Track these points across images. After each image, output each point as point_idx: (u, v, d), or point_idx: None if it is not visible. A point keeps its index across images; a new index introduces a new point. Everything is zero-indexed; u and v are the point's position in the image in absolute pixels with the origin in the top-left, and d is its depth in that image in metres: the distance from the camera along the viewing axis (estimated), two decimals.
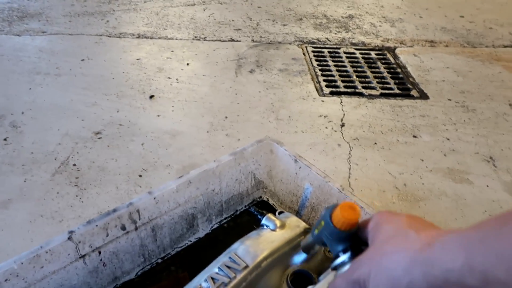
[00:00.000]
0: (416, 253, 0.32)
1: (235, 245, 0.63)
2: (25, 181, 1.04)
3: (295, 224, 0.68)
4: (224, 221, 0.94)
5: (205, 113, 1.37)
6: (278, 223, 0.67)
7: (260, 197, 1.00)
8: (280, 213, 0.74)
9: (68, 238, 0.66)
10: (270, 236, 0.64)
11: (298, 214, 0.93)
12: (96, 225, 0.69)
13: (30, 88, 1.44)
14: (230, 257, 0.60)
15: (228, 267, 0.59)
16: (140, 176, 1.07)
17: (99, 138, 1.20)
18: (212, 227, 0.92)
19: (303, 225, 0.68)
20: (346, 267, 0.40)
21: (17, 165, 1.09)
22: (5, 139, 1.18)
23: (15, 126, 1.24)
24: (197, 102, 1.43)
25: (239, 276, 0.58)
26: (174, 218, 0.82)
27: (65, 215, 0.94)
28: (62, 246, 0.66)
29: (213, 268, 0.59)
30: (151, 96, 1.43)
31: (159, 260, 0.83)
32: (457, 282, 0.28)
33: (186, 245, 0.87)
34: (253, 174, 0.95)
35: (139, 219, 0.76)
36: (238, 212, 0.96)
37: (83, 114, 1.32)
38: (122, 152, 1.15)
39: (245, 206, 0.98)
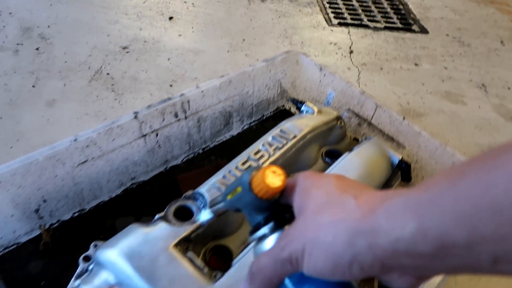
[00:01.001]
0: (358, 223, 0.28)
1: (283, 122, 0.75)
2: (64, 85, 1.12)
3: (329, 112, 0.80)
4: (253, 123, 1.06)
5: (224, 36, 1.44)
6: (315, 109, 0.79)
7: (283, 105, 1.12)
8: None
9: (134, 117, 0.77)
10: (311, 117, 0.76)
11: None
12: (156, 109, 0.80)
13: (50, 5, 1.47)
14: (281, 130, 0.73)
15: (280, 136, 0.71)
16: (171, 85, 1.17)
17: (127, 52, 1.28)
18: (243, 127, 1.04)
19: (335, 112, 0.81)
20: (268, 240, 0.34)
21: (54, 71, 1.16)
22: (37, 49, 1.24)
23: (44, 38, 1.29)
24: (214, 25, 1.50)
25: (290, 143, 0.71)
26: (215, 113, 0.94)
27: (108, 114, 1.04)
28: (129, 123, 0.77)
29: (268, 137, 0.71)
30: (170, 18, 1.48)
31: (201, 151, 0.96)
32: (408, 251, 0.25)
33: (222, 140, 0.99)
34: (280, 83, 1.06)
35: (188, 109, 0.86)
36: (264, 117, 1.08)
37: (107, 30, 1.37)
38: (151, 65, 1.24)
39: (271, 113, 1.10)
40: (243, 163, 0.67)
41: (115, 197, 0.83)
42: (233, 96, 0.95)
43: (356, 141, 0.85)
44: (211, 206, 0.40)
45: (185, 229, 0.58)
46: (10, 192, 0.66)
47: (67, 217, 0.77)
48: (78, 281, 0.56)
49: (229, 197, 0.37)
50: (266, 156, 0.68)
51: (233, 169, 0.66)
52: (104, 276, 0.55)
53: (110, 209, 0.80)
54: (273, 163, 0.68)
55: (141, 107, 0.78)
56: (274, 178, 0.34)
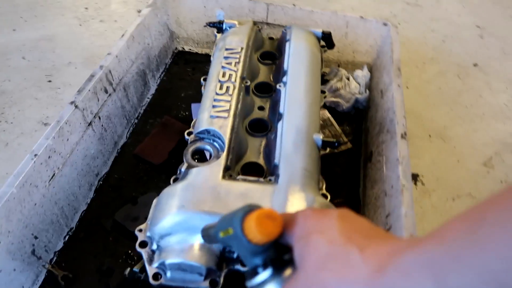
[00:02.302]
0: (368, 284, 0.25)
1: (219, 43, 0.77)
2: None
3: (245, 21, 0.84)
4: (162, 75, 1.02)
5: None
6: (236, 22, 0.82)
7: (176, 48, 1.10)
8: None
9: (75, 107, 0.68)
10: (239, 29, 0.80)
11: None
12: (88, 91, 0.71)
13: None
14: (226, 48, 0.74)
15: (231, 53, 0.73)
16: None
17: None
18: (157, 82, 1.00)
19: (251, 20, 0.85)
20: (268, 287, 0.32)
21: None
22: None
23: None
24: None
25: (243, 54, 0.73)
26: (134, 76, 0.88)
27: None
28: (73, 115, 0.68)
29: (220, 60, 0.72)
30: None
31: (136, 120, 0.90)
32: None
33: (147, 102, 0.95)
34: (167, 25, 1.03)
35: (113, 80, 0.79)
36: (168, 66, 1.05)
37: None
38: None
39: (170, 59, 1.07)
40: (220, 88, 0.68)
41: (92, 202, 0.74)
42: (140, 52, 0.90)
43: (272, 39, 0.91)
44: (203, 236, 0.39)
45: (218, 163, 0.59)
46: (3, 244, 0.55)
47: (60, 245, 0.67)
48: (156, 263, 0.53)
49: (221, 235, 0.34)
50: (234, 73, 0.70)
51: (215, 97, 0.67)
52: (177, 238, 0.53)
53: (92, 215, 0.73)
54: (242, 75, 0.71)
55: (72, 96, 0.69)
56: (268, 225, 0.31)
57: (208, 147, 0.63)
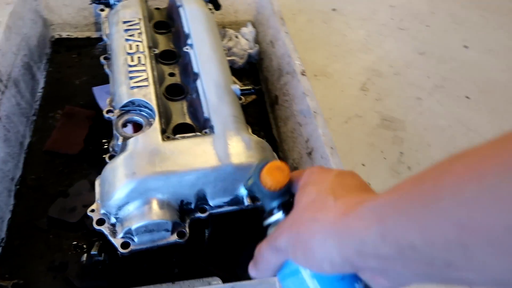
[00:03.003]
0: (330, 224, 0.29)
1: (113, 19, 0.76)
2: None
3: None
4: (48, 66, 0.95)
5: None
6: None
7: (52, 36, 1.02)
8: None
9: None
10: (129, 3, 0.79)
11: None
12: None
13: None
14: (123, 22, 0.74)
15: (130, 25, 0.73)
16: None
17: None
18: (44, 74, 0.93)
19: None
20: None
21: None
22: None
23: None
24: None
25: (142, 25, 0.74)
26: (21, 70, 0.81)
27: None
28: None
29: (122, 34, 0.72)
30: None
31: (35, 117, 0.84)
32: (372, 253, 0.27)
33: (41, 96, 0.88)
34: (38, 12, 0.95)
35: (2, 76, 0.73)
36: (51, 56, 0.98)
37: None
38: None
39: (50, 48, 1.00)
40: (132, 60, 0.68)
41: (15, 208, 0.69)
42: (20, 43, 0.82)
43: (159, 9, 0.92)
44: (244, 183, 0.47)
45: (153, 128, 0.61)
46: None
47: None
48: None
49: (249, 183, 0.41)
50: (140, 43, 0.71)
51: (129, 69, 0.67)
52: (136, 205, 0.55)
53: (21, 221, 0.68)
54: (149, 45, 0.72)
55: None
56: (277, 174, 0.38)
57: (136, 117, 0.64)
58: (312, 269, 0.32)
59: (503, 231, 0.20)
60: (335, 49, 1.21)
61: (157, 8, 0.91)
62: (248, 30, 1.04)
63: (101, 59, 0.76)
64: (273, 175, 0.38)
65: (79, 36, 1.04)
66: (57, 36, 1.02)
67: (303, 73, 0.78)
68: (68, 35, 1.03)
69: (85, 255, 0.61)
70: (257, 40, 1.04)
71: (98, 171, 0.75)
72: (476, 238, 0.22)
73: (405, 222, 0.25)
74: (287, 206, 0.38)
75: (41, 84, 0.90)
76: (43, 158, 0.77)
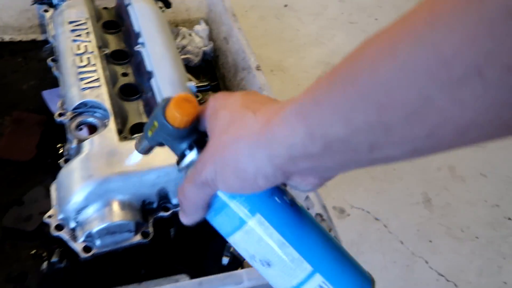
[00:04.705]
0: (256, 137, 0.29)
1: (57, 20, 0.74)
2: None
3: None
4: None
5: None
6: None
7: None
8: None
9: None
10: (73, 2, 0.77)
11: None
12: None
13: None
14: (69, 22, 0.72)
15: (76, 25, 0.71)
16: None
17: None
18: None
19: None
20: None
21: None
22: None
23: None
24: None
25: (90, 24, 0.72)
26: None
27: None
28: None
29: (68, 35, 0.70)
30: None
31: None
32: (302, 155, 0.27)
33: None
34: None
35: None
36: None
37: None
38: None
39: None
40: (81, 61, 0.67)
41: None
42: None
43: (107, 9, 0.90)
44: (137, 148, 0.42)
45: (109, 129, 0.60)
46: None
47: None
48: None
49: (149, 134, 0.37)
50: (89, 43, 0.69)
51: (79, 70, 0.66)
52: (95, 207, 0.54)
53: None
54: (98, 45, 0.70)
55: None
56: (185, 106, 0.34)
57: (90, 119, 0.63)
58: (247, 190, 0.31)
59: (418, 101, 0.21)
60: (289, 44, 1.24)
61: (105, 8, 0.89)
62: (201, 28, 1.04)
63: (49, 61, 0.74)
64: (182, 108, 0.34)
65: (24, 39, 0.99)
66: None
67: (258, 68, 0.79)
68: (11, 39, 0.98)
69: (45, 263, 0.59)
70: (211, 37, 1.04)
71: (54, 177, 0.73)
72: (395, 115, 0.22)
73: (328, 115, 0.25)
74: (199, 143, 0.36)
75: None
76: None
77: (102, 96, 0.63)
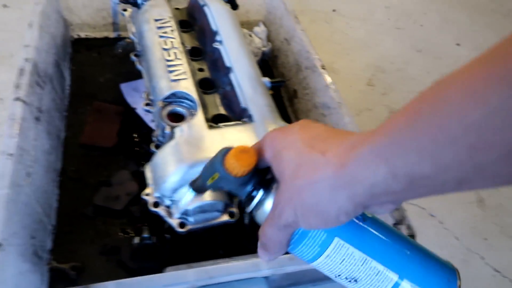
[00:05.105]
0: (334, 179, 0.30)
1: (143, 18, 0.80)
2: None
3: None
4: (71, 64, 0.98)
5: None
6: None
7: (71, 36, 1.05)
8: None
9: (23, 102, 0.65)
10: (156, 2, 0.83)
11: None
12: (27, 84, 0.68)
13: None
14: (154, 19, 0.78)
15: (162, 23, 0.77)
16: None
17: None
18: (69, 67, 0.96)
19: None
20: (268, 203, 0.36)
21: None
22: None
23: None
24: None
25: (174, 23, 0.78)
26: (53, 67, 0.84)
27: None
28: (23, 111, 0.65)
29: (154, 32, 0.76)
30: None
31: (66, 113, 0.87)
32: (384, 192, 0.28)
33: (68, 93, 0.91)
34: (59, 13, 0.98)
35: (40, 73, 0.76)
36: (71, 55, 1.01)
37: None
38: None
39: (70, 48, 1.02)
40: (169, 55, 0.73)
41: (61, 198, 0.72)
42: (49, 42, 0.85)
43: (179, 9, 0.96)
44: (194, 189, 0.43)
45: (198, 118, 0.65)
46: (15, 246, 0.53)
47: (50, 243, 0.65)
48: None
49: (210, 182, 0.38)
50: (174, 40, 0.75)
51: (168, 63, 0.72)
52: None
53: (68, 210, 0.71)
54: (182, 41, 0.76)
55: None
56: (245, 157, 0.35)
57: (179, 109, 0.69)
58: (329, 226, 0.32)
59: None
60: (338, 47, 1.28)
61: (177, 8, 0.95)
62: (260, 29, 1.10)
63: (132, 56, 0.80)
64: (241, 160, 0.35)
65: (97, 36, 1.07)
66: (76, 36, 1.05)
67: (323, 67, 0.84)
68: (87, 35, 1.06)
69: (137, 238, 0.65)
70: (269, 38, 1.10)
71: (135, 162, 0.79)
72: (489, 155, 0.23)
73: (415, 156, 0.25)
74: (263, 183, 0.37)
75: (68, 81, 0.93)
76: (79, 151, 0.80)
77: (189, 87, 0.69)
